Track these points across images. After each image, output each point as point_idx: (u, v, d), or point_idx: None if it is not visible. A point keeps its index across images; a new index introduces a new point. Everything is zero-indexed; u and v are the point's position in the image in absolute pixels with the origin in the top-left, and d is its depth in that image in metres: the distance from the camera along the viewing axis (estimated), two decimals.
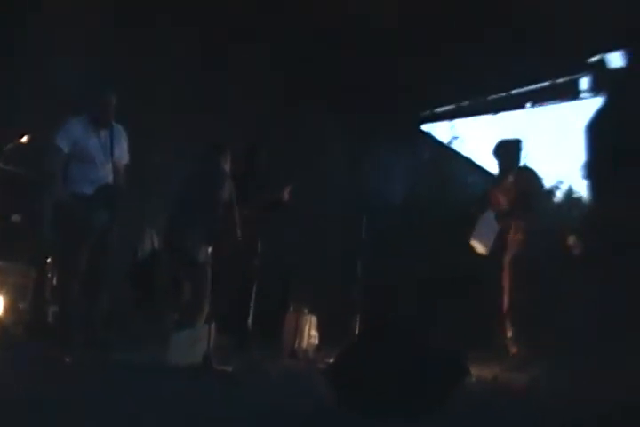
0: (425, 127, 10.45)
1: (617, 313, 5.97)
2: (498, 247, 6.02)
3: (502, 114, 9.12)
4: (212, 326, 4.69)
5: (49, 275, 5.91)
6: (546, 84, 8.24)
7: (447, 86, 8.71)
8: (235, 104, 7.79)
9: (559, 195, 11.71)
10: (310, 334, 6.49)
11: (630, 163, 3.63)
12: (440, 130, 11.10)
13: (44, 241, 5.95)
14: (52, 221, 5.65)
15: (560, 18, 6.64)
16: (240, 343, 5.97)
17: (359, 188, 9.07)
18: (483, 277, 6.50)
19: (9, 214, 5.91)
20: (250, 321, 6.12)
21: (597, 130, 3.71)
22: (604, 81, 4.27)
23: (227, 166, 5.86)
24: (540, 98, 8.46)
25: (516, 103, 8.73)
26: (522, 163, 6.44)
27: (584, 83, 7.73)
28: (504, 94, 8.77)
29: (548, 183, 9.67)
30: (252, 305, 6.16)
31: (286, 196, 6.24)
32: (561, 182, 11.75)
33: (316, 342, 6.56)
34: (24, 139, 4.96)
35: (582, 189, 7.12)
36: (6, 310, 5.45)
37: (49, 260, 5.90)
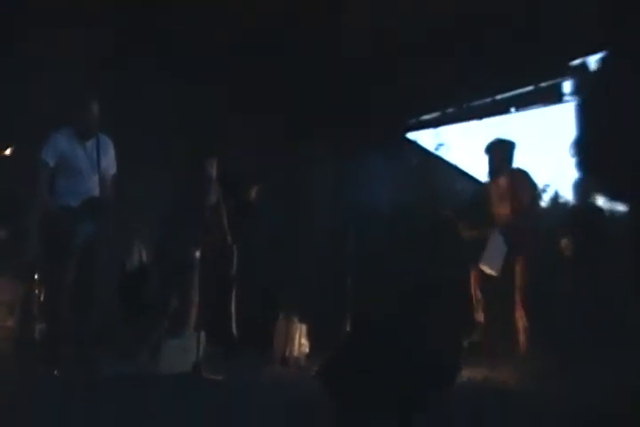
0: (410, 135, 10.45)
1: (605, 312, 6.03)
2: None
3: (487, 119, 9.12)
4: (202, 334, 4.66)
5: (36, 290, 5.86)
6: (529, 88, 8.26)
7: (431, 94, 8.74)
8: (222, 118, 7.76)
9: (546, 199, 11.74)
10: (301, 342, 6.47)
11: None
12: (425, 138, 11.12)
13: (31, 256, 5.90)
14: (38, 236, 5.60)
15: (542, 22, 6.69)
16: (226, 350, 5.91)
17: (345, 197, 9.06)
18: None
19: None
20: (234, 327, 6.05)
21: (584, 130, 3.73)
22: (586, 84, 4.29)
23: (213, 171, 5.82)
24: (524, 102, 8.48)
25: (501, 108, 8.74)
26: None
27: (567, 86, 7.76)
28: (488, 100, 8.79)
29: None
30: (232, 311, 6.06)
31: (253, 196, 6.18)
32: (547, 186, 11.78)
33: (307, 350, 6.53)
34: (7, 151, 4.94)
35: (568, 192, 7.13)
36: None
37: (36, 275, 5.86)
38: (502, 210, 6.07)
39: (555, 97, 8.03)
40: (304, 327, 6.57)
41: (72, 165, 5.36)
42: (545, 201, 11.45)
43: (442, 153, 11.05)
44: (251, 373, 5.23)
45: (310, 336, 6.58)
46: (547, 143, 22.90)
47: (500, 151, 6.17)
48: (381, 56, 7.66)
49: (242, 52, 7.62)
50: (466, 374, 4.36)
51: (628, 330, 5.24)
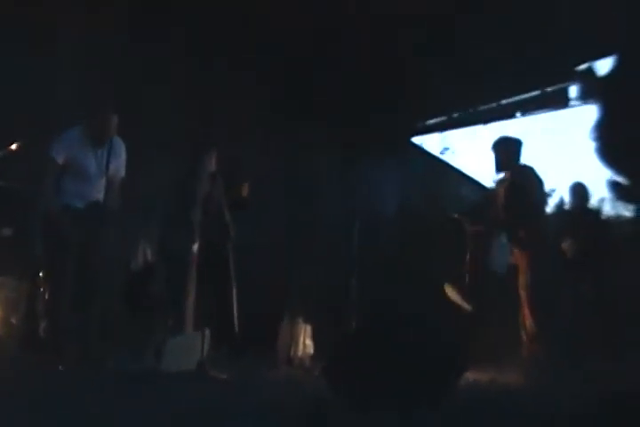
0: (415, 139, 10.46)
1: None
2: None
3: (493, 124, 9.12)
4: (206, 332, 4.65)
5: (41, 289, 5.84)
6: (535, 93, 8.26)
7: (436, 98, 8.74)
8: (227, 116, 7.75)
9: (551, 203, 11.73)
10: (305, 343, 6.47)
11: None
12: (431, 142, 11.13)
13: (35, 255, 5.88)
14: (40, 233, 5.57)
15: (548, 26, 6.70)
16: (230, 350, 5.89)
17: (351, 199, 9.06)
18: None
19: None
20: (236, 326, 6.01)
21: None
22: (593, 89, 4.29)
23: (212, 166, 5.77)
24: (530, 107, 8.48)
25: (507, 113, 8.74)
26: None
27: (573, 91, 7.76)
28: (494, 104, 8.79)
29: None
30: (235, 310, 6.01)
31: (244, 192, 6.13)
32: (553, 191, 11.79)
33: (312, 351, 6.53)
34: (14, 146, 4.90)
35: (574, 196, 7.08)
36: None
37: (41, 274, 5.84)
38: (507, 207, 6.01)
39: (561, 101, 8.04)
40: (309, 328, 6.57)
41: (80, 165, 5.30)
42: (551, 205, 11.45)
43: (447, 157, 11.05)
44: (255, 372, 5.21)
45: (315, 337, 6.58)
46: (553, 147, 22.92)
47: (506, 148, 6.12)
48: (387, 59, 7.67)
49: (251, 53, 7.66)
50: (472, 375, 4.34)
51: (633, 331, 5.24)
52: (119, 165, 5.51)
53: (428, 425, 3.09)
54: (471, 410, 3.39)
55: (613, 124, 3.81)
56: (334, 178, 9.38)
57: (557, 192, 11.92)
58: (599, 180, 4.02)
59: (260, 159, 7.33)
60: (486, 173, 10.39)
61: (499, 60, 7.46)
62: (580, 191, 7.07)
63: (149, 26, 7.13)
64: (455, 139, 15.90)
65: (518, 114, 8.63)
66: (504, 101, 8.65)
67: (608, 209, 9.19)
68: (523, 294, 5.82)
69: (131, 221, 6.46)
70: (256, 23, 7.29)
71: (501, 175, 6.23)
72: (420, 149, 10.57)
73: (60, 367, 4.41)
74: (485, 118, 9.10)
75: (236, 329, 5.78)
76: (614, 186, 3.77)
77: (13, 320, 5.66)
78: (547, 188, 10.26)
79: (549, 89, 8.11)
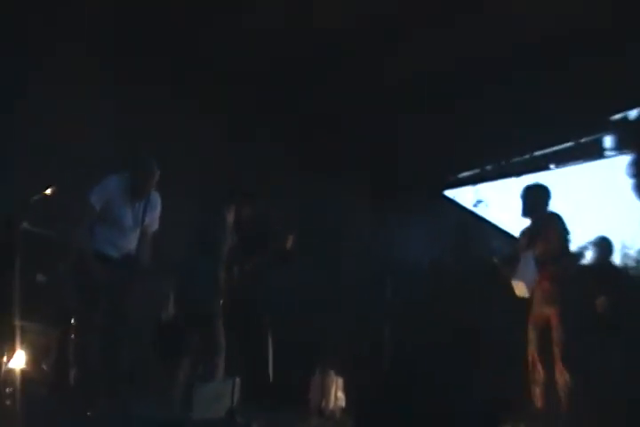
0: (449, 193, 10.46)
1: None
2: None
3: (526, 176, 9.07)
4: (237, 380, 4.57)
5: (72, 335, 5.82)
6: (569, 144, 8.24)
7: (470, 151, 8.76)
8: (255, 176, 7.78)
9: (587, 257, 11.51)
10: (337, 395, 6.36)
11: None
12: (464, 195, 11.09)
13: (67, 301, 5.88)
14: (72, 280, 5.56)
15: (581, 76, 6.72)
16: (261, 398, 5.80)
17: (385, 254, 9.03)
18: (510, 340, 6.37)
19: (34, 275, 5.87)
20: (270, 376, 5.94)
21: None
22: (628, 138, 4.27)
23: (230, 215, 5.71)
24: (563, 159, 8.45)
25: (540, 165, 8.71)
26: None
27: (608, 141, 7.72)
28: (527, 156, 8.77)
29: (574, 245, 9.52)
30: (269, 360, 5.95)
31: (289, 244, 6.11)
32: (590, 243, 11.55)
33: (343, 403, 6.41)
34: (48, 191, 4.94)
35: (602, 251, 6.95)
36: (28, 366, 5.36)
37: (72, 320, 5.84)
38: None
39: (595, 152, 8.01)
40: (340, 380, 6.46)
41: (117, 215, 5.29)
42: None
43: (480, 210, 10.99)
44: (286, 423, 5.11)
45: (347, 389, 6.47)
46: (587, 199, 22.72)
47: (534, 195, 6.03)
48: (419, 112, 7.71)
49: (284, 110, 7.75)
50: None
51: None
52: (154, 218, 5.50)
53: None
54: None
55: None
56: (366, 232, 9.39)
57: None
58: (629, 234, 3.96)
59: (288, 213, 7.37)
60: (519, 225, 10.28)
61: (532, 112, 7.47)
62: (606, 246, 6.98)
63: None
64: (489, 192, 15.80)
65: (552, 166, 8.59)
66: (537, 153, 8.64)
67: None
68: (556, 350, 5.68)
69: (162, 270, 6.47)
70: (289, 79, 7.41)
71: (528, 222, 6.12)
72: (453, 202, 10.56)
73: (89, 413, 4.34)
74: (519, 171, 9.07)
75: (271, 379, 5.71)
76: None
77: (44, 366, 5.63)
78: (580, 240, 10.15)
79: (583, 140, 8.09)
